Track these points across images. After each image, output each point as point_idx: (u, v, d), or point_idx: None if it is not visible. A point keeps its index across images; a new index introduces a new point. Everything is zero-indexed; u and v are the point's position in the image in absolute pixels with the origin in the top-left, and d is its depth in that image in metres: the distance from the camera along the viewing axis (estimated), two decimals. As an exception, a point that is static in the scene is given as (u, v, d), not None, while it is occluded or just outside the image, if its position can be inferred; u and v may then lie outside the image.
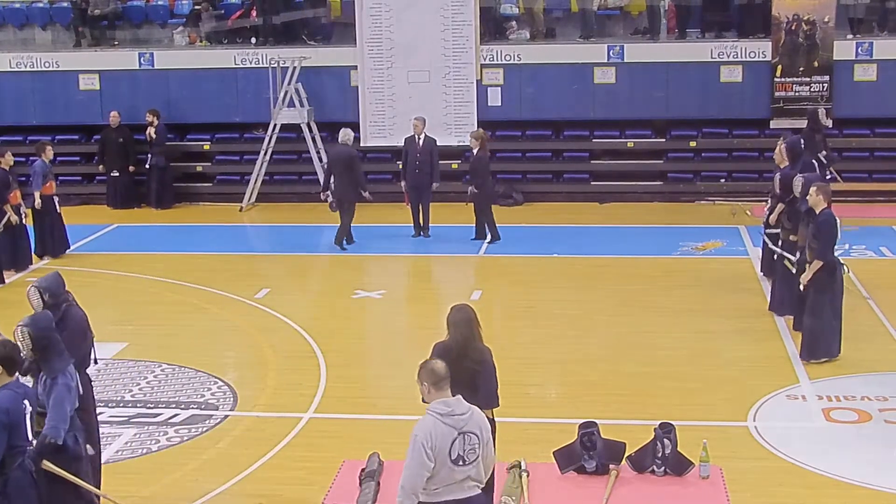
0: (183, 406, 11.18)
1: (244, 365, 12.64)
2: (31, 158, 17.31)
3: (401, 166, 18.47)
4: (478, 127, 19.29)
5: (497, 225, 17.85)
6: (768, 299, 13.92)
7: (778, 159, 14.38)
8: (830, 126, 19.36)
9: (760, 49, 20.05)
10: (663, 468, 9.21)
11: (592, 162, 20.90)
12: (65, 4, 22.72)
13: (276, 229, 19.54)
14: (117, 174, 20.81)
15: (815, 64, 19.82)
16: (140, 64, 21.22)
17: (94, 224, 19.54)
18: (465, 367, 7.90)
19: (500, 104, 20.56)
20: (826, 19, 19.78)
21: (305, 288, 16.12)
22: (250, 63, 20.92)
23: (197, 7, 22.15)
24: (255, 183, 20.74)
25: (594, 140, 20.82)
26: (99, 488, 8.75)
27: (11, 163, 16.22)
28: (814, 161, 14.67)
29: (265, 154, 20.65)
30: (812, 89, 19.88)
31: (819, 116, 18.32)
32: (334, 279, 16.45)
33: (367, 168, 18.33)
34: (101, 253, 17.68)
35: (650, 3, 21.13)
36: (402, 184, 18.23)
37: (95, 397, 10.57)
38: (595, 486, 9.07)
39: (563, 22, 21.92)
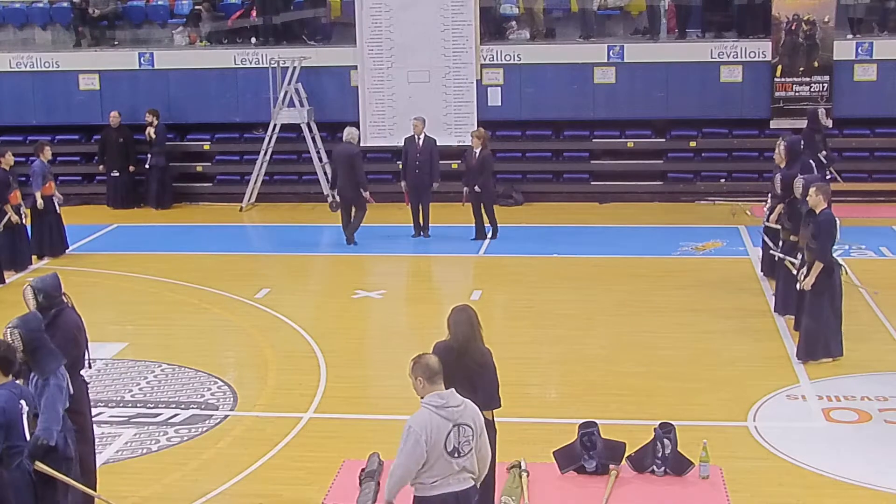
0: (183, 406, 11.18)
1: (244, 365, 12.64)
2: (30, 158, 17.31)
3: (401, 166, 18.47)
4: (478, 127, 19.27)
5: (498, 225, 17.93)
6: (770, 300, 13.94)
7: (778, 159, 14.40)
8: (830, 126, 19.35)
9: (760, 49, 20.06)
10: (663, 468, 9.22)
11: (592, 162, 20.91)
12: (65, 4, 22.72)
13: (276, 229, 19.54)
14: (117, 174, 20.82)
15: (815, 64, 19.83)
16: (140, 64, 21.23)
17: (94, 224, 19.54)
18: (466, 367, 7.90)
19: (500, 104, 20.56)
20: (826, 19, 19.79)
21: (305, 288, 16.11)
22: (250, 63, 20.93)
23: (197, 7, 22.16)
24: (255, 183, 20.75)
25: (594, 140, 20.83)
26: (94, 489, 8.76)
27: (12, 163, 16.23)
28: (811, 161, 14.65)
29: (265, 154, 20.65)
30: (812, 89, 19.89)
31: (819, 116, 18.32)
32: (334, 279, 16.46)
33: (367, 168, 18.32)
34: (100, 253, 17.69)
35: (650, 3, 21.14)
36: (402, 184, 18.23)
37: (96, 397, 10.64)
38: (595, 486, 9.08)
39: (563, 22, 21.93)
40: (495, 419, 8.24)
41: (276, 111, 20.40)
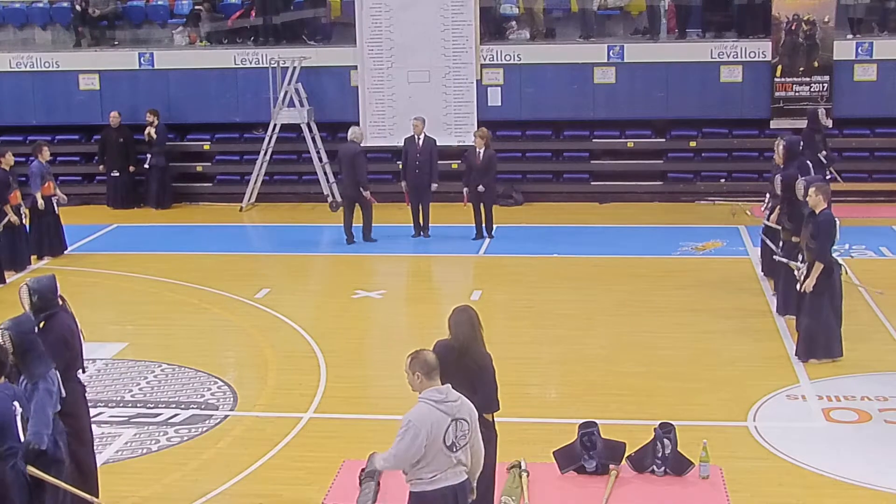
0: (183, 406, 11.18)
1: (244, 365, 12.64)
2: (30, 158, 17.30)
3: (401, 166, 18.47)
4: (478, 127, 19.27)
5: (497, 225, 17.92)
6: (770, 300, 13.94)
7: (777, 160, 14.40)
8: (830, 126, 19.36)
9: (760, 49, 20.06)
10: (663, 468, 9.22)
11: (592, 162, 20.91)
12: (65, 4, 22.72)
13: (276, 229, 19.54)
14: (117, 174, 20.82)
15: (815, 64, 19.83)
16: (140, 64, 21.23)
17: (93, 224, 19.55)
18: (466, 368, 7.91)
19: (500, 104, 20.56)
20: (826, 19, 19.79)
21: (305, 288, 16.11)
22: (250, 63, 20.93)
23: (197, 7, 22.15)
24: (255, 183, 20.75)
25: (594, 140, 20.83)
26: (97, 492, 8.76)
27: (12, 163, 16.23)
28: (808, 162, 14.64)
29: (265, 154, 20.65)
30: (812, 89, 19.89)
31: (819, 116, 18.32)
32: (334, 279, 16.46)
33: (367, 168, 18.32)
34: (100, 253, 17.69)
35: (650, 3, 21.13)
36: (403, 184, 18.23)
37: (96, 397, 10.65)
38: (595, 486, 9.08)
39: (563, 22, 21.92)
40: (495, 420, 8.25)
41: (276, 111, 20.40)
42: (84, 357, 8.74)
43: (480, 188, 17.47)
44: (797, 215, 12.59)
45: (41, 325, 8.40)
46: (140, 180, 21.01)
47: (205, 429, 10.64)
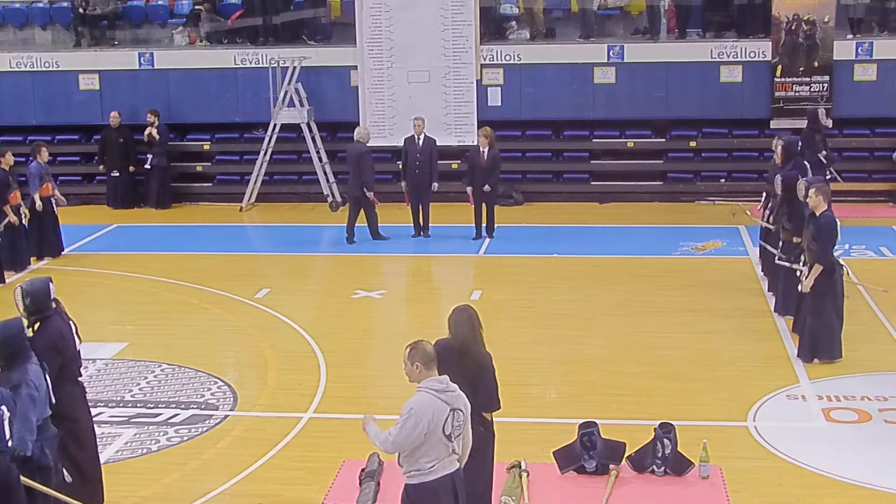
0: (183, 406, 11.18)
1: (244, 365, 12.63)
2: (29, 159, 17.30)
3: (401, 166, 18.47)
4: (478, 126, 19.27)
5: (497, 225, 17.93)
6: (770, 300, 13.93)
7: (777, 159, 14.41)
8: (830, 126, 19.37)
9: (760, 49, 20.06)
10: (663, 468, 9.22)
11: (592, 162, 20.91)
12: (65, 4, 22.72)
13: (276, 229, 19.54)
14: (117, 174, 20.82)
15: (815, 64, 19.83)
16: (140, 64, 21.23)
17: (93, 224, 19.55)
18: (466, 367, 7.91)
19: (500, 104, 20.56)
20: (826, 19, 19.79)
21: (305, 288, 16.11)
22: (250, 63, 20.93)
23: (197, 7, 22.15)
24: (255, 183, 20.74)
25: (594, 140, 20.83)
26: (101, 495, 8.76)
27: (12, 163, 16.22)
28: (806, 163, 14.64)
29: (265, 154, 20.65)
30: (812, 89, 19.89)
31: (819, 116, 18.33)
32: (334, 279, 16.46)
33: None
34: (100, 253, 17.69)
35: (650, 3, 21.13)
36: (403, 184, 18.24)
37: (96, 397, 10.64)
38: (595, 486, 9.08)
39: (563, 22, 21.93)
40: (494, 420, 8.25)
41: (276, 111, 20.40)
42: (79, 360, 8.72)
43: (486, 188, 17.45)
44: (797, 216, 12.59)
45: (36, 326, 8.39)
46: (140, 180, 21.01)
47: (205, 429, 10.64)
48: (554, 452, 9.42)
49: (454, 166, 20.22)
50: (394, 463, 7.51)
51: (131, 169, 20.86)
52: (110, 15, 22.43)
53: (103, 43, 22.30)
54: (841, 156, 19.70)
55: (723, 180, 20.46)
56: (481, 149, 17.52)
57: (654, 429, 9.31)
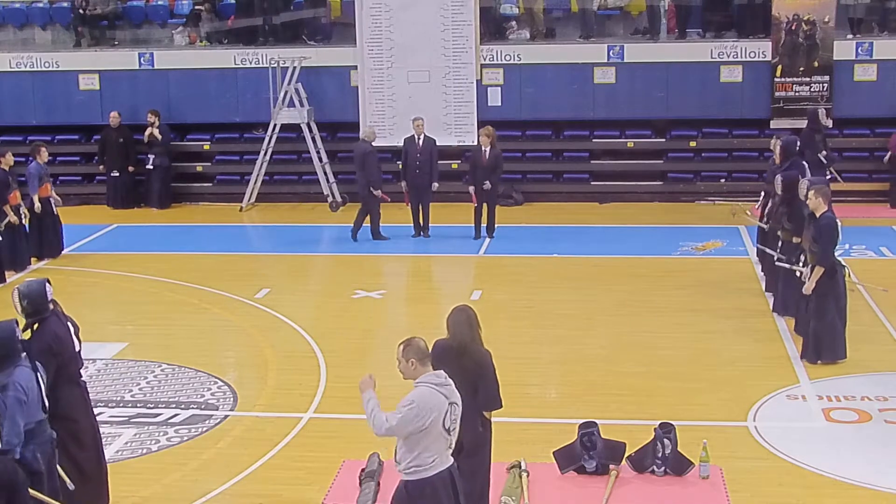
0: (183, 406, 11.18)
1: (244, 365, 12.64)
2: (29, 159, 17.30)
3: (401, 166, 18.47)
4: (478, 127, 19.27)
5: (497, 225, 17.94)
6: (770, 300, 13.93)
7: (777, 159, 14.41)
8: (830, 126, 19.37)
9: (760, 49, 20.06)
10: (663, 468, 9.22)
11: (592, 162, 20.91)
12: (65, 4, 22.72)
13: (276, 229, 19.54)
14: (117, 174, 20.82)
15: (815, 64, 19.83)
16: (140, 64, 21.23)
17: (93, 224, 19.54)
18: (465, 368, 7.91)
19: (500, 104, 20.56)
20: (826, 19, 19.79)
21: (305, 288, 16.11)
22: (250, 63, 20.93)
23: (197, 7, 22.15)
24: (255, 183, 20.74)
25: (594, 140, 20.83)
26: (106, 496, 8.75)
27: (11, 163, 16.23)
28: (804, 163, 14.66)
29: (265, 154, 20.65)
30: (812, 89, 19.88)
31: (819, 116, 18.32)
32: (334, 279, 16.46)
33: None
34: (100, 253, 17.69)
35: (650, 3, 21.13)
36: (403, 184, 18.24)
37: (96, 397, 10.61)
38: (595, 486, 9.08)
39: (563, 22, 21.93)
40: (492, 420, 8.25)
41: (276, 111, 20.40)
42: (79, 362, 8.71)
43: (486, 185, 17.43)
44: (797, 216, 12.58)
45: (35, 326, 8.38)
46: (140, 180, 21.01)
47: (205, 429, 10.64)
48: (554, 452, 9.42)
49: (454, 166, 20.22)
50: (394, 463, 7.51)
51: (131, 169, 20.85)
52: (110, 15, 22.44)
53: (103, 43, 22.30)
54: (841, 156, 19.70)
55: (723, 180, 20.46)
56: (483, 148, 17.51)
57: (654, 429, 9.31)
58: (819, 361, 11.81)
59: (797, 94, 19.92)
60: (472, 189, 17.71)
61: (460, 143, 20.25)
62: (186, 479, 9.59)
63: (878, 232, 17.72)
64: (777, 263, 13.25)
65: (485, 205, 17.74)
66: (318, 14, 22.09)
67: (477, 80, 20.49)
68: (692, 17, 21.19)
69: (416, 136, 18.09)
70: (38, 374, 7.78)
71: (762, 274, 15.06)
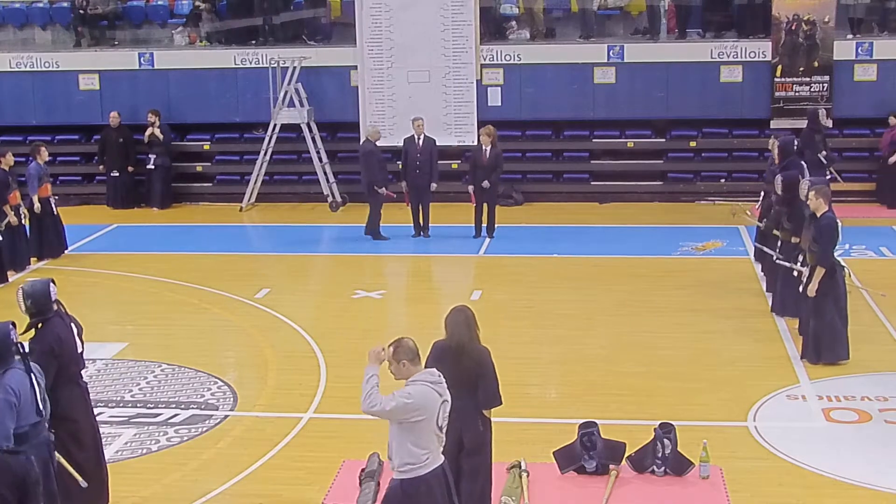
0: (183, 406, 11.18)
1: (244, 365, 12.64)
2: (29, 159, 17.30)
3: (401, 166, 18.47)
4: (478, 127, 19.27)
5: (497, 225, 17.94)
6: (769, 300, 13.94)
7: (776, 159, 14.43)
8: (830, 126, 19.36)
9: (760, 49, 20.06)
10: (663, 468, 9.22)
11: (592, 162, 20.91)
12: (65, 4, 22.72)
13: (276, 229, 19.54)
14: (117, 174, 20.82)
15: (815, 64, 19.83)
16: (140, 64, 21.23)
17: (93, 224, 19.54)
18: (464, 367, 7.92)
19: (500, 104, 20.56)
20: (826, 19, 19.79)
21: (305, 288, 16.11)
22: (250, 63, 20.93)
23: (197, 7, 22.14)
24: (255, 183, 20.74)
25: (594, 140, 20.83)
26: (106, 497, 8.75)
27: (12, 163, 16.23)
28: (803, 163, 14.66)
29: (265, 154, 20.65)
30: (812, 89, 19.88)
31: (819, 116, 18.31)
32: (334, 279, 16.46)
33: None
34: (100, 253, 17.68)
35: (650, 3, 21.13)
36: (403, 184, 18.24)
37: (96, 397, 10.60)
38: (595, 486, 9.08)
39: (563, 22, 21.93)
40: (493, 420, 8.25)
41: (276, 111, 20.40)
42: (81, 363, 8.70)
43: (486, 184, 17.42)
44: (797, 216, 12.58)
45: (39, 326, 8.38)
46: (140, 180, 21.01)
47: (205, 429, 10.64)
48: (554, 452, 9.42)
49: (454, 166, 20.22)
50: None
51: (131, 169, 20.85)
52: (110, 15, 22.44)
53: (103, 43, 22.30)
54: (841, 156, 19.70)
55: (723, 180, 20.46)
56: (484, 147, 17.51)
57: (654, 429, 9.31)
58: (820, 362, 11.80)
59: (797, 94, 19.92)
60: (471, 189, 17.71)
61: (460, 143, 20.25)
62: (186, 479, 9.59)
63: (878, 232, 17.72)
64: (776, 262, 13.25)
65: (485, 205, 17.75)
66: (318, 14, 22.09)
67: (477, 80, 20.49)
68: (692, 17, 21.19)
69: (416, 136, 18.09)
70: (33, 376, 7.71)
71: (762, 274, 15.06)
